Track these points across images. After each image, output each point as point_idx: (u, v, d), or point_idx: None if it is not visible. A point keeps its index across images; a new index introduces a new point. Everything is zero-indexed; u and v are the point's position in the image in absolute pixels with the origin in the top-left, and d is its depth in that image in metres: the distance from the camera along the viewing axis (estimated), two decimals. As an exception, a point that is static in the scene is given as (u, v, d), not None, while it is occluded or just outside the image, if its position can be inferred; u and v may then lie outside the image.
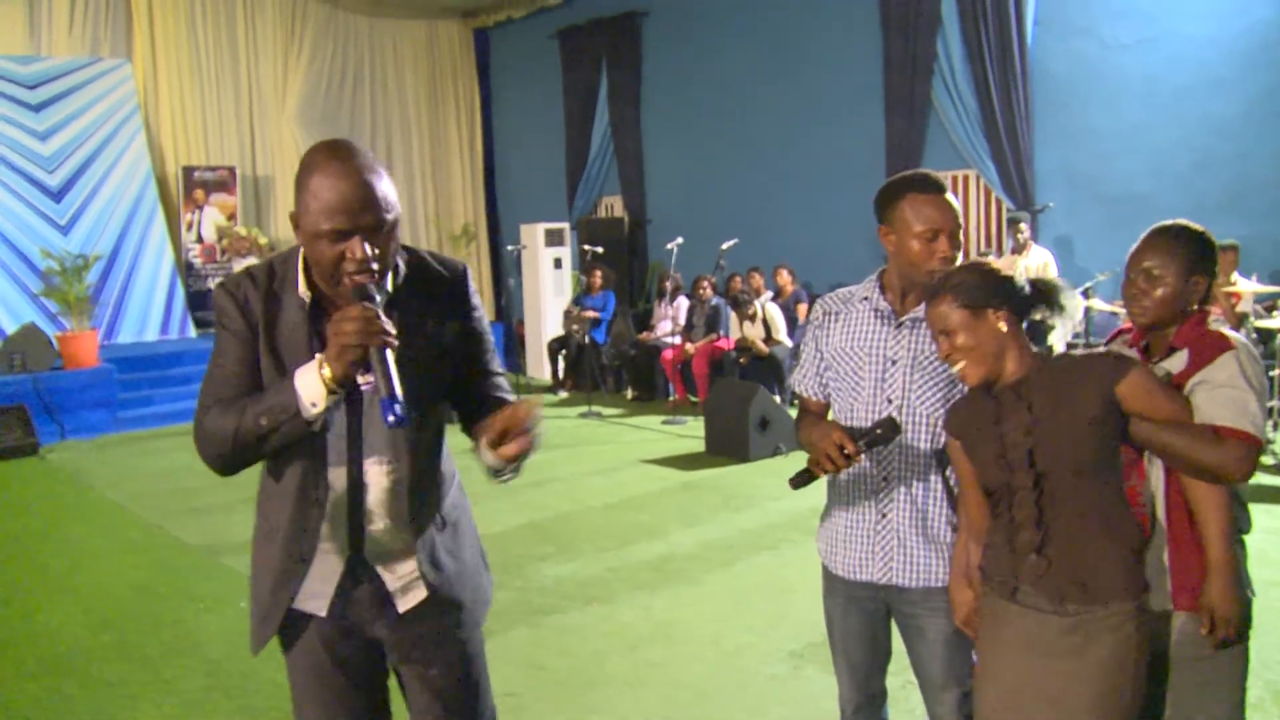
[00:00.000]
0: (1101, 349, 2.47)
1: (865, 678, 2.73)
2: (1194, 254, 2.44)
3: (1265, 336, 8.15)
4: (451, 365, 2.26)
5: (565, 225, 14.81)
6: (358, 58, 16.87)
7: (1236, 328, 8.47)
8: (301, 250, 2.16)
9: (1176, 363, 2.39)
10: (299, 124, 16.02)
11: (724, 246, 11.40)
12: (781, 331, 10.70)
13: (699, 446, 9.00)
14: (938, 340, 2.35)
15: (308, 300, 2.15)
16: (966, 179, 11.56)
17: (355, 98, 16.88)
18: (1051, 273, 9.49)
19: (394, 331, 1.99)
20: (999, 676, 2.36)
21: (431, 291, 2.24)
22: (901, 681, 2.78)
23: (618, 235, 14.86)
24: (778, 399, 9.21)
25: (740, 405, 8.57)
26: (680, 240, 11.62)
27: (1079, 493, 2.27)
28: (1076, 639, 2.24)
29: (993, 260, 2.42)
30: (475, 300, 2.32)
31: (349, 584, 2.23)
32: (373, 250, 2.02)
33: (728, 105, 14.06)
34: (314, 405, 2.01)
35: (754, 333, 10.68)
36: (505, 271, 16.19)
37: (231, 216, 14.81)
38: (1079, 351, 2.42)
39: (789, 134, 13.31)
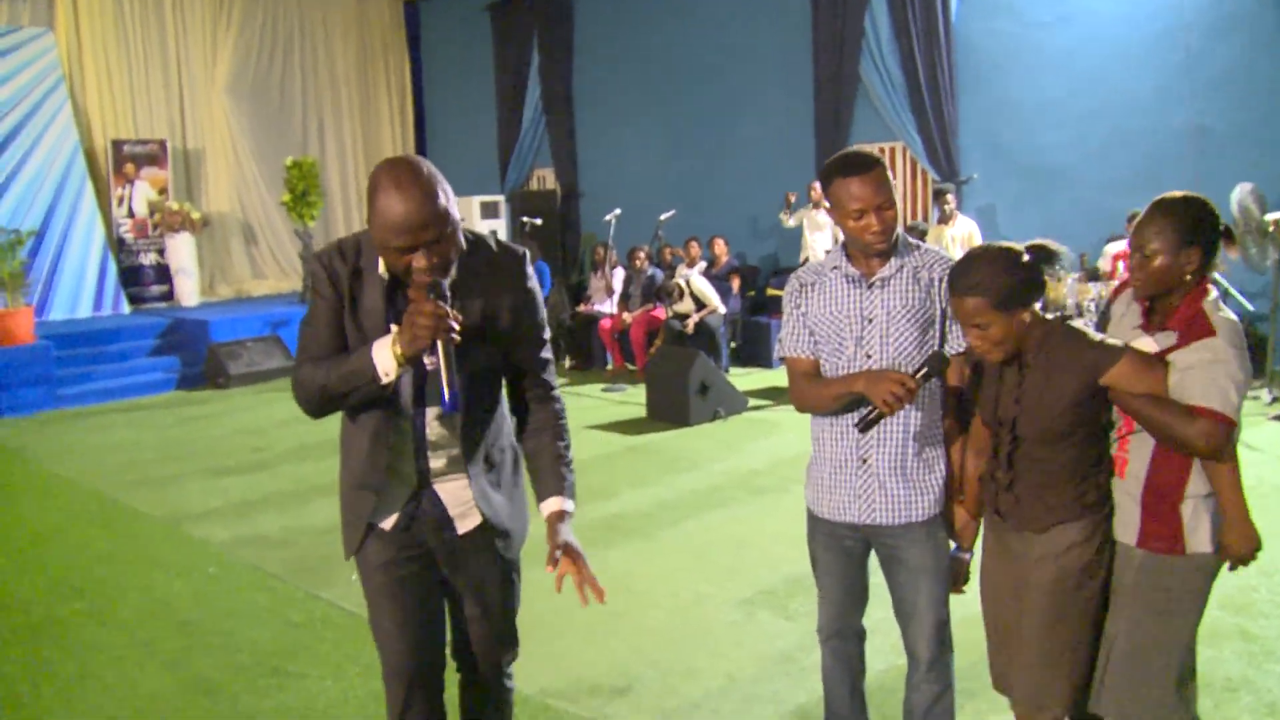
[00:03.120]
0: (1097, 335, 2.65)
1: (840, 610, 3.03)
2: (1186, 227, 2.55)
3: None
4: (505, 338, 2.59)
5: (500, 198, 14.97)
6: (287, 30, 16.79)
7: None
8: None
9: (1166, 340, 2.58)
10: (229, 96, 15.94)
11: (662, 218, 11.65)
12: (715, 299, 10.91)
13: (640, 413, 9.26)
14: (966, 330, 2.62)
15: (386, 279, 2.49)
16: (893, 151, 11.92)
17: (285, 70, 16.80)
18: (976, 241, 9.90)
19: (458, 328, 2.33)
20: (987, 575, 2.87)
21: (489, 272, 2.55)
22: (883, 615, 3.07)
23: (551, 207, 15.04)
24: (714, 365, 9.49)
25: (680, 372, 8.82)
26: (618, 212, 11.83)
27: (1047, 455, 2.65)
28: (1037, 552, 2.69)
29: (1016, 246, 2.62)
30: (530, 285, 2.62)
31: (414, 508, 2.64)
32: (434, 259, 2.34)
33: (660, 80, 14.28)
34: (386, 375, 2.39)
35: (686, 307, 10.92)
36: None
37: (163, 191, 14.68)
38: (1081, 325, 2.66)
39: (721, 108, 13.58)
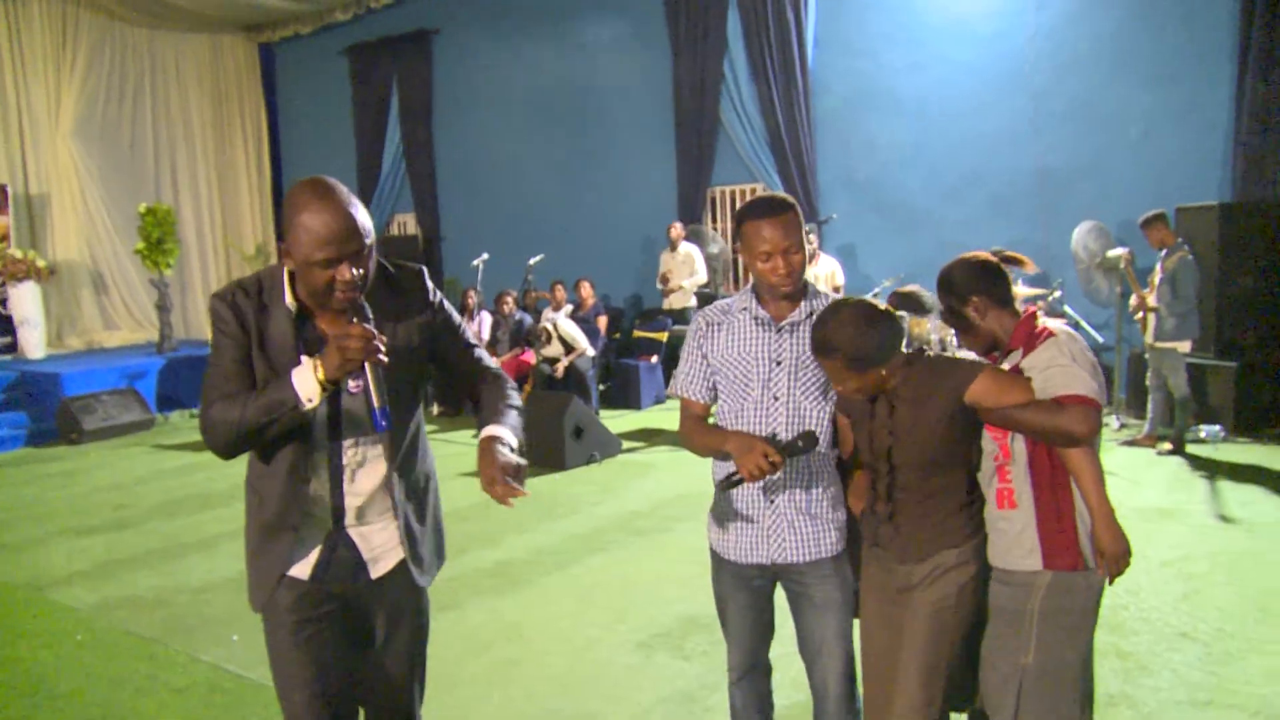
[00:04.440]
0: (958, 356, 2.84)
1: (752, 648, 3.08)
2: (955, 295, 2.87)
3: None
4: (420, 357, 2.65)
5: (360, 243, 14.80)
6: (137, 71, 16.33)
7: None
8: (286, 266, 2.49)
9: (1014, 359, 2.80)
10: (76, 140, 15.40)
11: (531, 262, 11.68)
12: (582, 342, 10.97)
13: (515, 457, 9.18)
14: (832, 379, 2.74)
15: (294, 310, 2.49)
16: (754, 193, 12.21)
17: (136, 113, 16.33)
18: (839, 280, 10.22)
19: (384, 349, 2.35)
20: (867, 610, 2.93)
21: (396, 292, 2.63)
22: (780, 652, 3.12)
23: (413, 253, 14.89)
24: (588, 408, 9.53)
25: (555, 416, 8.81)
26: (485, 256, 11.81)
27: (924, 483, 2.77)
28: (918, 578, 2.78)
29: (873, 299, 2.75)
30: (437, 296, 2.72)
31: (329, 552, 2.59)
32: (358, 271, 2.38)
33: (522, 123, 14.37)
34: (309, 400, 2.37)
35: (555, 351, 10.97)
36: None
37: (4, 238, 14.07)
38: (943, 354, 2.82)
39: (584, 151, 13.74)
